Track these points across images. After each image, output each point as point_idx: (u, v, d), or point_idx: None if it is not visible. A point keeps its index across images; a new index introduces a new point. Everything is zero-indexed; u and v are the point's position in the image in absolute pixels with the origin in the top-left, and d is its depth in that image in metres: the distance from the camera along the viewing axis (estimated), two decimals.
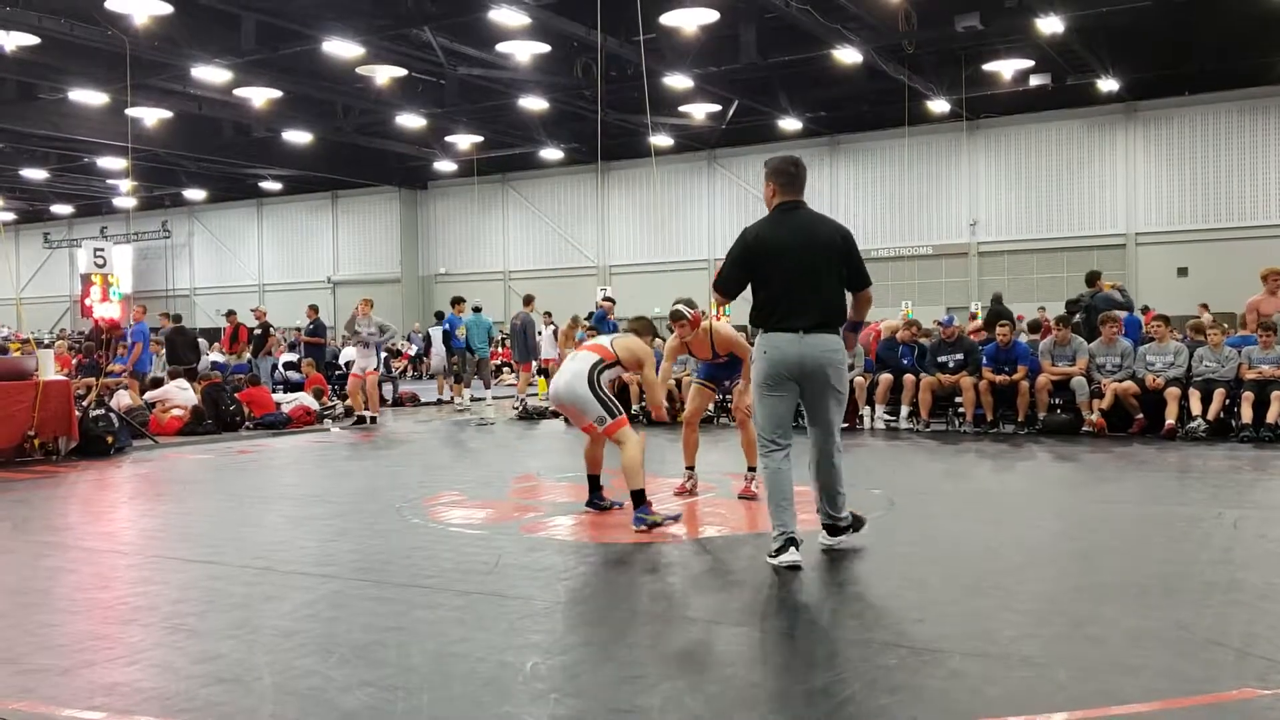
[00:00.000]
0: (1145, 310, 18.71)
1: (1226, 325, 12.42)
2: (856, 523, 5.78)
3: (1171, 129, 27.95)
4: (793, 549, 5.25)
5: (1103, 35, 22.70)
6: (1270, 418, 10.76)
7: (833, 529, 5.71)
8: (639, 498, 6.40)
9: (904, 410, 12.70)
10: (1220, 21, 21.55)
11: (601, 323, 16.68)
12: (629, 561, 5.73)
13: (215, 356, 20.99)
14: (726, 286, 5.60)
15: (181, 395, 13.79)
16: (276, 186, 39.73)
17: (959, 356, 12.56)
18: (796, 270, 5.37)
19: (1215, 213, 27.39)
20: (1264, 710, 3.37)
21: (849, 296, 5.67)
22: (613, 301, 18.67)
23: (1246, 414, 10.91)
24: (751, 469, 7.54)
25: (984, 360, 12.39)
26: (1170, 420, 11.17)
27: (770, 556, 5.28)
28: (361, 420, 14.65)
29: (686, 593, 5.12)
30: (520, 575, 5.36)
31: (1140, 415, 11.51)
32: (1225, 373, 11.35)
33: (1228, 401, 11.18)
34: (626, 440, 6.50)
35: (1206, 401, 11.16)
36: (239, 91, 24.79)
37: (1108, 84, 25.15)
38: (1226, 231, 26.99)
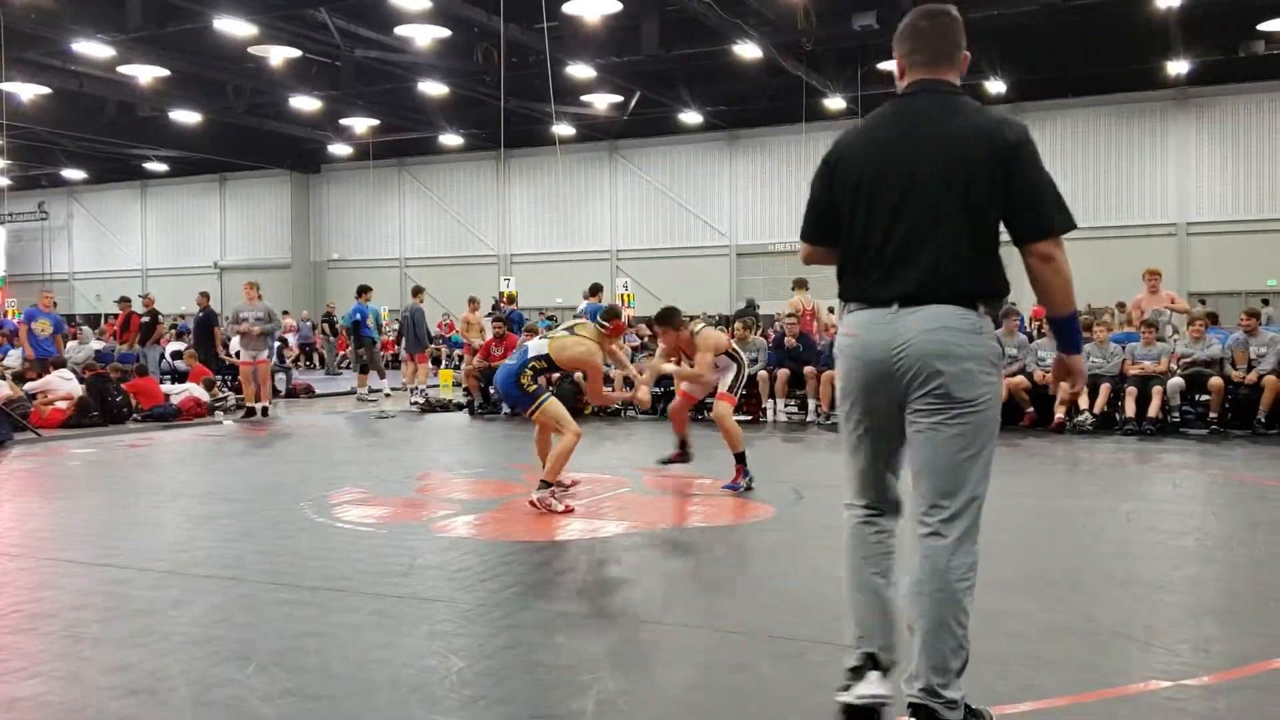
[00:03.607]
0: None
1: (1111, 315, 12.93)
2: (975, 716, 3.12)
3: (1064, 129, 28.91)
4: (875, 676, 3.13)
5: (991, 37, 23.34)
6: (1151, 411, 11.29)
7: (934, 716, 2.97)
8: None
9: (811, 404, 12.95)
10: (1102, 29, 22.41)
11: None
12: (547, 560, 5.68)
13: (97, 344, 20.17)
14: (806, 228, 3.35)
15: (65, 386, 13.21)
16: (162, 168, 38.31)
17: None
18: (895, 195, 3.08)
19: (1098, 212, 28.46)
20: (1168, 700, 3.53)
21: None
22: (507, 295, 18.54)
23: (1130, 408, 11.41)
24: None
25: None
26: (1059, 414, 11.60)
27: (840, 690, 3.15)
28: (251, 412, 14.17)
29: (611, 590, 5.10)
30: (436, 576, 5.27)
31: (1030, 409, 11.91)
32: (1110, 368, 11.84)
33: (1112, 395, 11.66)
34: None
35: (1093, 396, 11.63)
36: (123, 69, 23.80)
37: (995, 85, 25.87)
38: (1102, 230, 28.11)
